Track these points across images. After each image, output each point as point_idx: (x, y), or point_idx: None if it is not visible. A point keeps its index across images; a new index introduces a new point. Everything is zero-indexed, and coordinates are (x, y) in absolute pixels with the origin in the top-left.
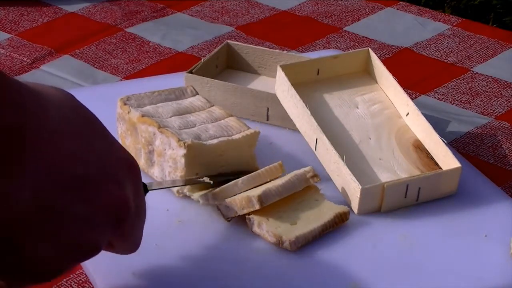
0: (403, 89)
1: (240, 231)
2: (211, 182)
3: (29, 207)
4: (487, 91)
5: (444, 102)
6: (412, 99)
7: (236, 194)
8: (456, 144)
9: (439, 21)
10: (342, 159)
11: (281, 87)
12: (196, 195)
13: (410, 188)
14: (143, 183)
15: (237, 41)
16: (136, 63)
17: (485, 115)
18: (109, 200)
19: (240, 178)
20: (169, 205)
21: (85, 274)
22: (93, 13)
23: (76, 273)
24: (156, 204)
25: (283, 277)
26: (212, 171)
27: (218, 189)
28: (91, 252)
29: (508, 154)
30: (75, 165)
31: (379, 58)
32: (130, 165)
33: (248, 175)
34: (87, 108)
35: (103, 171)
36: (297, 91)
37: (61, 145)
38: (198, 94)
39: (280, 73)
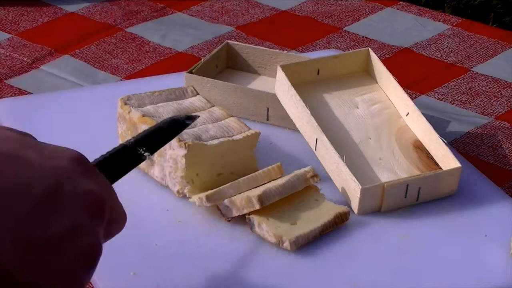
0: (403, 89)
1: (240, 231)
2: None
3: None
4: (487, 91)
5: (444, 102)
6: (412, 99)
7: (231, 197)
8: (456, 144)
9: (439, 21)
10: (342, 159)
11: (281, 87)
12: (195, 198)
13: (410, 188)
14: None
15: (237, 41)
16: (136, 63)
17: (485, 115)
18: (80, 201)
19: (236, 181)
20: (169, 205)
21: None
22: (93, 13)
23: None
24: (156, 204)
25: (283, 277)
26: (212, 172)
27: (212, 191)
28: (95, 255)
29: (508, 154)
30: (27, 196)
31: (379, 58)
32: (74, 159)
33: (244, 177)
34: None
35: (53, 189)
36: (297, 91)
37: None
38: (198, 94)
39: (280, 73)
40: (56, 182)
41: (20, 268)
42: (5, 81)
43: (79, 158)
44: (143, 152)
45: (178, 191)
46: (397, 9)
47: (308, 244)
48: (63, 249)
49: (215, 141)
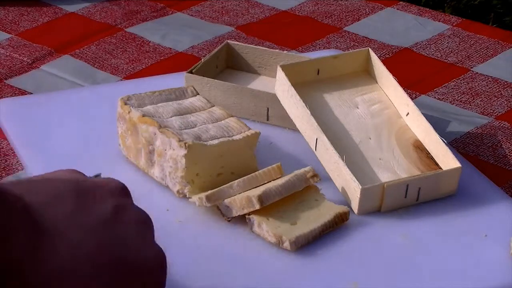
0: (403, 89)
1: (240, 231)
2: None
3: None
4: (487, 91)
5: (444, 102)
6: (412, 99)
7: (231, 197)
8: (456, 144)
9: (439, 21)
10: (342, 159)
11: (281, 87)
12: (195, 198)
13: (410, 188)
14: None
15: (237, 41)
16: (136, 63)
17: (485, 115)
18: (104, 188)
19: (236, 181)
20: (169, 205)
21: None
22: (93, 13)
23: None
24: (156, 204)
25: (283, 277)
26: (212, 172)
27: (212, 191)
28: (145, 220)
29: (508, 154)
30: (65, 200)
31: (379, 58)
32: (73, 171)
33: (244, 177)
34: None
35: (79, 191)
36: (297, 91)
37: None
38: (198, 94)
39: (280, 73)
40: (76, 185)
41: (98, 246)
42: (5, 81)
43: (76, 170)
44: None
45: (178, 191)
46: (397, 9)
47: (308, 244)
48: (117, 229)
49: (215, 141)
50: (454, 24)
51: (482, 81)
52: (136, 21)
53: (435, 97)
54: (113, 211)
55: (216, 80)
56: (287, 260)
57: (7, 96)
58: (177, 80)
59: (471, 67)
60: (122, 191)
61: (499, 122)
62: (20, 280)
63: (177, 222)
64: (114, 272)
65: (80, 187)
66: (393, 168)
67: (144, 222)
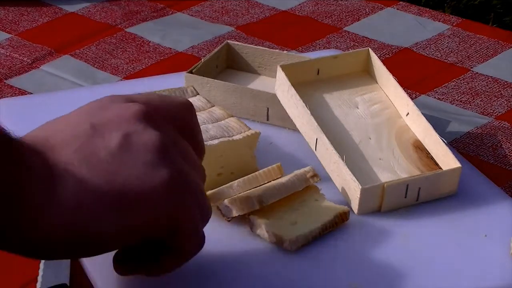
0: (403, 89)
1: (240, 231)
2: None
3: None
4: (487, 91)
5: (444, 102)
6: (412, 99)
7: (231, 197)
8: (456, 144)
9: (439, 21)
10: (342, 159)
11: (281, 87)
12: None
13: (410, 188)
14: None
15: (237, 41)
16: (136, 63)
17: (485, 115)
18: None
19: (236, 181)
20: None
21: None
22: (93, 13)
23: None
24: None
25: (283, 277)
26: (212, 172)
27: (212, 191)
28: (157, 145)
29: (508, 154)
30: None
31: (379, 58)
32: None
33: (244, 177)
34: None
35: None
36: (297, 91)
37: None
38: (198, 94)
39: (280, 73)
40: (92, 118)
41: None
42: (5, 81)
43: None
44: None
45: None
46: (397, 9)
47: (308, 244)
48: (122, 161)
49: (215, 141)
50: (454, 24)
51: (482, 81)
52: (136, 21)
53: (435, 97)
54: (120, 142)
55: (216, 80)
56: (287, 260)
57: (7, 96)
58: (177, 80)
59: (471, 67)
60: (141, 115)
61: (499, 122)
62: (32, 226)
63: None
64: (119, 211)
65: (95, 120)
66: (393, 168)
67: (155, 147)
